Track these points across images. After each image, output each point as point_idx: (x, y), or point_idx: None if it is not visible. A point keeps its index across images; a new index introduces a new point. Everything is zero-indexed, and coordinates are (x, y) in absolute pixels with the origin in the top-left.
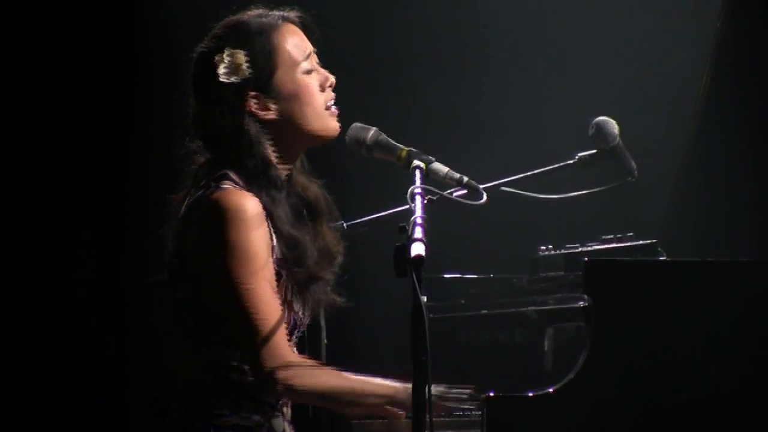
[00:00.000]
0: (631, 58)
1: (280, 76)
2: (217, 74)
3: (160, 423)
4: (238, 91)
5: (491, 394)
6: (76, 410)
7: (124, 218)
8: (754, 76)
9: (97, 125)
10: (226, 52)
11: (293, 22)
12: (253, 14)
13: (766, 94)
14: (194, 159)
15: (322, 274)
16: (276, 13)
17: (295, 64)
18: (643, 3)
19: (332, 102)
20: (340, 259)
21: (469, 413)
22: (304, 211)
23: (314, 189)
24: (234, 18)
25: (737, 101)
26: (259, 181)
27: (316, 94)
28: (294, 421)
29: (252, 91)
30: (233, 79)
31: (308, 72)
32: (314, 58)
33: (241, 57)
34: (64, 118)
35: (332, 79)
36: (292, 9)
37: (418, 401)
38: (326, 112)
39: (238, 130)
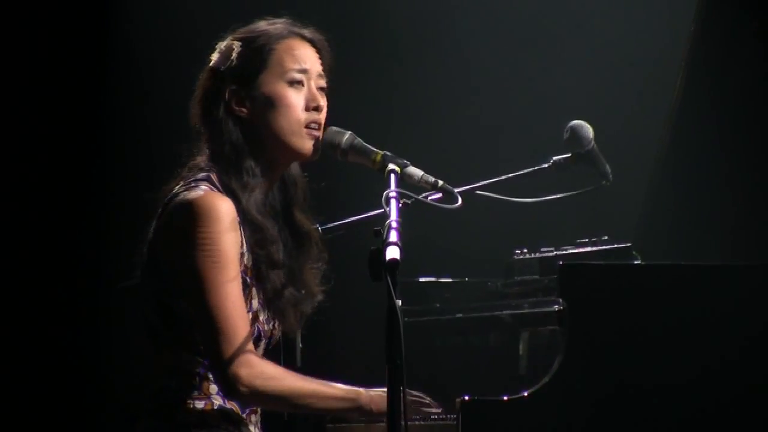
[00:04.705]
0: (605, 61)
1: (264, 78)
2: (211, 58)
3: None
4: (221, 78)
5: (466, 398)
6: (52, 415)
7: (101, 220)
8: (729, 79)
9: (72, 126)
10: (227, 40)
11: (304, 39)
12: (273, 20)
13: (739, 96)
14: (192, 150)
15: (291, 287)
16: (293, 28)
17: (283, 71)
18: (617, 6)
19: (314, 124)
20: (319, 297)
21: (444, 417)
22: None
23: (308, 226)
24: (259, 20)
25: (711, 104)
26: (228, 167)
27: (294, 108)
28: (268, 427)
29: (233, 83)
30: (220, 65)
31: (294, 84)
32: (313, 79)
33: (235, 47)
34: (39, 118)
35: (319, 102)
36: (309, 27)
37: (393, 405)
38: (303, 131)
39: (211, 116)
